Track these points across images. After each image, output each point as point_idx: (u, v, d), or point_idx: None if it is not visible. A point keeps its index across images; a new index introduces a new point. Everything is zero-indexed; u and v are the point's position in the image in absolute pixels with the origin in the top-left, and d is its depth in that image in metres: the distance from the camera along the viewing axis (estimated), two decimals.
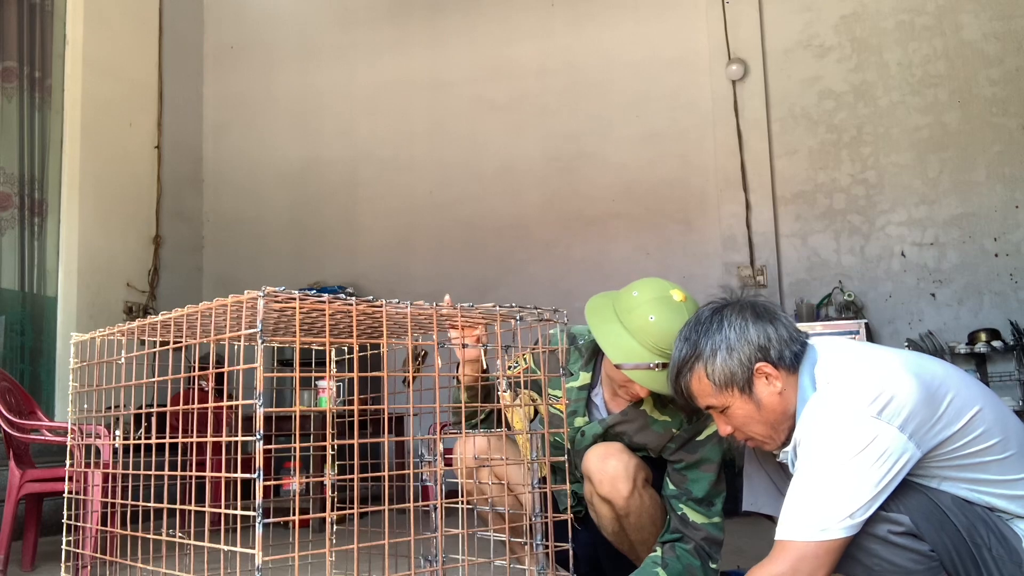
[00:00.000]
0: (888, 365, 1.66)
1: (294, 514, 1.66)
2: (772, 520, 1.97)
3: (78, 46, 6.17)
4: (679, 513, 2.16)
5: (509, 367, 2.25)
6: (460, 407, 2.15)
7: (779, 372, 1.72)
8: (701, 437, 2.19)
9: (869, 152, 5.93)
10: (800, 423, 1.70)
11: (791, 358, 1.73)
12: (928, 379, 1.64)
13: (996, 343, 5.28)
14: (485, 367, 2.21)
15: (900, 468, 1.59)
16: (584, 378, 2.31)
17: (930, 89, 5.83)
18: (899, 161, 5.86)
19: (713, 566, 2.16)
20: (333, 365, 2.35)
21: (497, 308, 1.90)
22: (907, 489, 1.64)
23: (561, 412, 2.28)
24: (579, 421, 2.29)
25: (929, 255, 5.73)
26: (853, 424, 1.59)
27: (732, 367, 1.72)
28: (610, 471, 2.12)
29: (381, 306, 1.73)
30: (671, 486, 2.20)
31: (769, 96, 6.17)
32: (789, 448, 1.76)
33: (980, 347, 5.29)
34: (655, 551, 2.16)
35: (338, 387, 3.67)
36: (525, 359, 2.32)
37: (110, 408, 2.22)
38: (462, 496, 2.10)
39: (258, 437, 1.52)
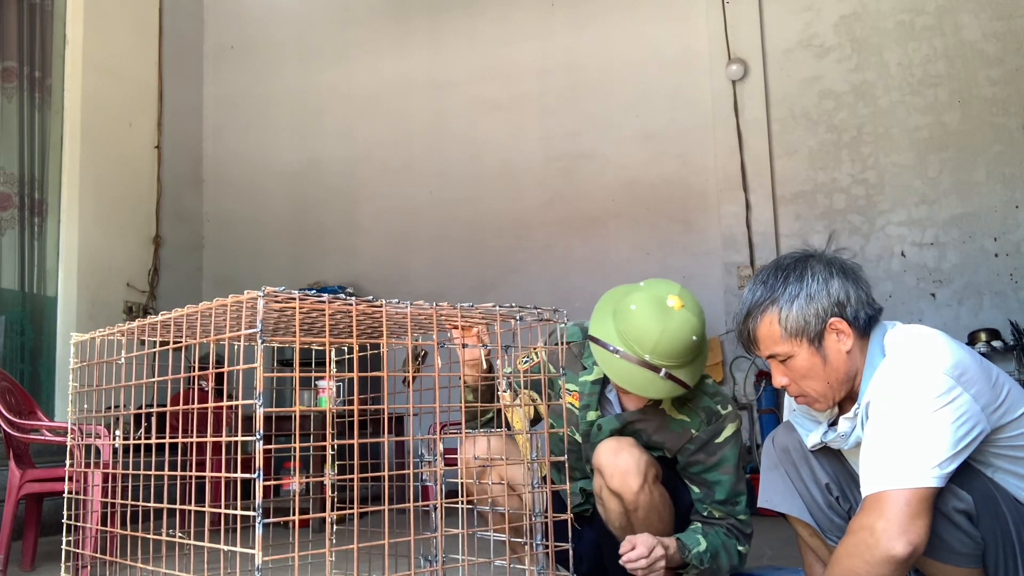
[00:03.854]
0: (960, 344, 1.70)
1: (294, 514, 1.66)
2: (786, 518, 1.98)
3: (78, 46, 6.17)
4: (704, 515, 2.22)
5: (523, 360, 2.26)
6: (466, 407, 2.15)
7: (851, 331, 1.71)
8: (720, 439, 2.20)
9: (869, 152, 5.93)
10: (873, 383, 1.70)
11: (865, 321, 1.73)
12: (988, 367, 1.69)
13: (996, 343, 5.28)
14: (487, 366, 2.21)
15: (975, 436, 1.61)
16: (598, 372, 2.30)
17: (930, 89, 5.82)
18: (899, 161, 5.85)
19: (741, 549, 2.21)
20: (333, 365, 2.35)
21: (497, 308, 1.90)
22: (972, 471, 1.66)
23: (574, 406, 2.29)
24: (591, 415, 2.30)
25: (929, 255, 5.73)
26: (935, 381, 1.60)
27: (807, 317, 1.70)
28: (621, 465, 2.12)
29: (381, 306, 1.73)
30: (696, 489, 2.24)
31: (769, 96, 6.17)
32: (850, 414, 1.76)
33: (980, 347, 5.28)
34: (694, 524, 2.21)
35: (338, 387, 3.66)
36: (536, 354, 2.31)
37: (110, 408, 2.22)
38: (462, 496, 2.10)
39: (258, 437, 1.52)
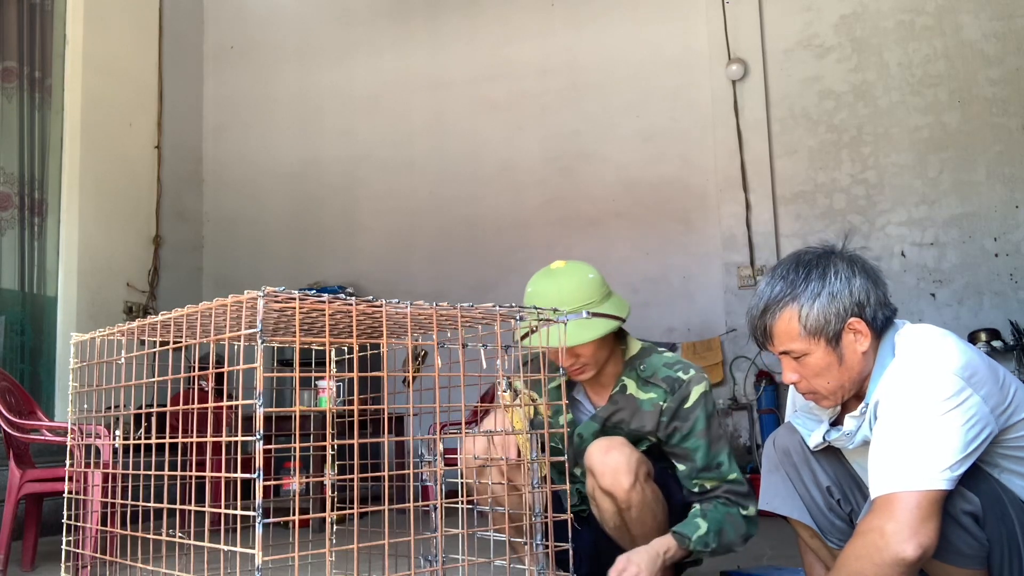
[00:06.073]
0: (969, 345, 1.69)
1: (294, 514, 1.66)
2: (787, 520, 1.97)
3: (78, 46, 6.17)
4: (696, 489, 2.25)
5: (504, 390, 2.26)
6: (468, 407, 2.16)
7: (869, 332, 1.70)
8: (689, 404, 2.25)
9: (869, 152, 5.93)
10: (883, 383, 1.68)
11: (882, 321, 1.71)
12: (995, 368, 1.68)
13: (996, 343, 5.28)
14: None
15: (984, 438, 1.59)
16: (559, 379, 2.34)
17: (930, 89, 5.82)
18: (899, 161, 5.85)
19: (745, 513, 2.24)
20: (333, 365, 2.35)
21: (497, 308, 1.90)
22: (979, 472, 1.65)
23: (544, 418, 2.30)
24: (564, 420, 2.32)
25: (929, 255, 5.73)
26: (945, 382, 1.59)
27: (828, 316, 1.67)
28: (612, 463, 2.14)
29: (381, 306, 1.73)
30: (680, 466, 2.28)
31: (769, 96, 6.17)
32: (856, 413, 1.75)
33: (980, 347, 5.28)
34: (693, 508, 2.23)
35: (338, 387, 3.66)
36: (516, 389, 2.32)
37: (110, 408, 2.22)
38: (462, 496, 2.10)
39: (258, 437, 1.52)
